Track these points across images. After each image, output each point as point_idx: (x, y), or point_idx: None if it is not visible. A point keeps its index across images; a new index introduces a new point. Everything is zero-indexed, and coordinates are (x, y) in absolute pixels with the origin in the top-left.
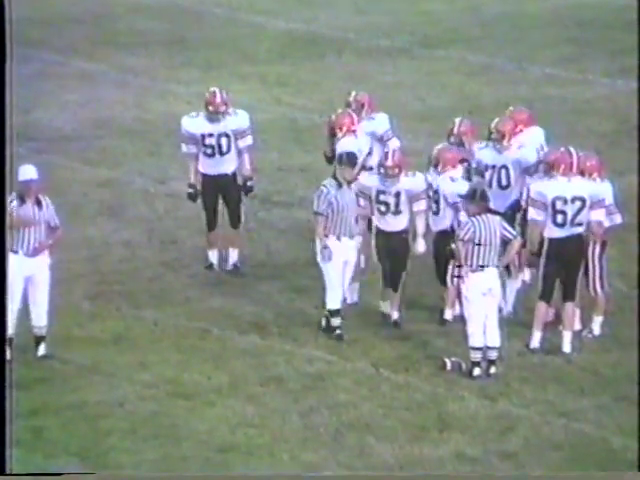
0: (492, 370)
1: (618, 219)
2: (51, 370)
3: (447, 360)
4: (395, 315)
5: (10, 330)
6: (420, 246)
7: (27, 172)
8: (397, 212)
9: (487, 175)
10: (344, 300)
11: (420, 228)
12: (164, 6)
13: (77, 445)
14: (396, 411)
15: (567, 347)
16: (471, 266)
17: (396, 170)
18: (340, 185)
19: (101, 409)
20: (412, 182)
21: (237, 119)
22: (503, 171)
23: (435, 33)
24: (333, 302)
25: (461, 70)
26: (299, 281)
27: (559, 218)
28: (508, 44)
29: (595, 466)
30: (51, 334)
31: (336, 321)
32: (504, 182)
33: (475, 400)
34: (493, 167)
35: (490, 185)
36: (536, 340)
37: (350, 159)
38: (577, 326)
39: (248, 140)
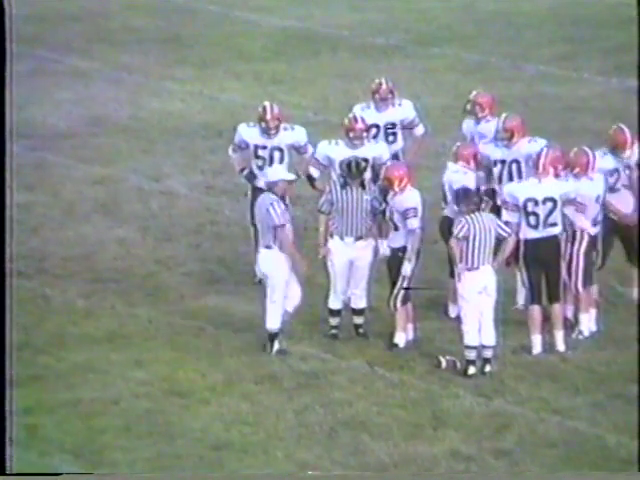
0: (487, 368)
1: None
2: (46, 368)
3: (442, 358)
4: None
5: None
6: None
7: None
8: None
9: (496, 170)
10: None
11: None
12: (158, 3)
13: (72, 443)
14: (391, 409)
15: (561, 346)
16: (466, 265)
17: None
18: (346, 184)
19: (95, 407)
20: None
21: (294, 134)
22: (514, 165)
23: (430, 31)
24: (332, 302)
25: (456, 68)
26: None
27: (532, 220)
28: (503, 42)
29: (589, 463)
30: (45, 332)
31: (334, 321)
32: (516, 177)
33: (470, 398)
34: (503, 162)
35: (500, 180)
36: (538, 345)
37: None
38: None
39: (310, 151)
